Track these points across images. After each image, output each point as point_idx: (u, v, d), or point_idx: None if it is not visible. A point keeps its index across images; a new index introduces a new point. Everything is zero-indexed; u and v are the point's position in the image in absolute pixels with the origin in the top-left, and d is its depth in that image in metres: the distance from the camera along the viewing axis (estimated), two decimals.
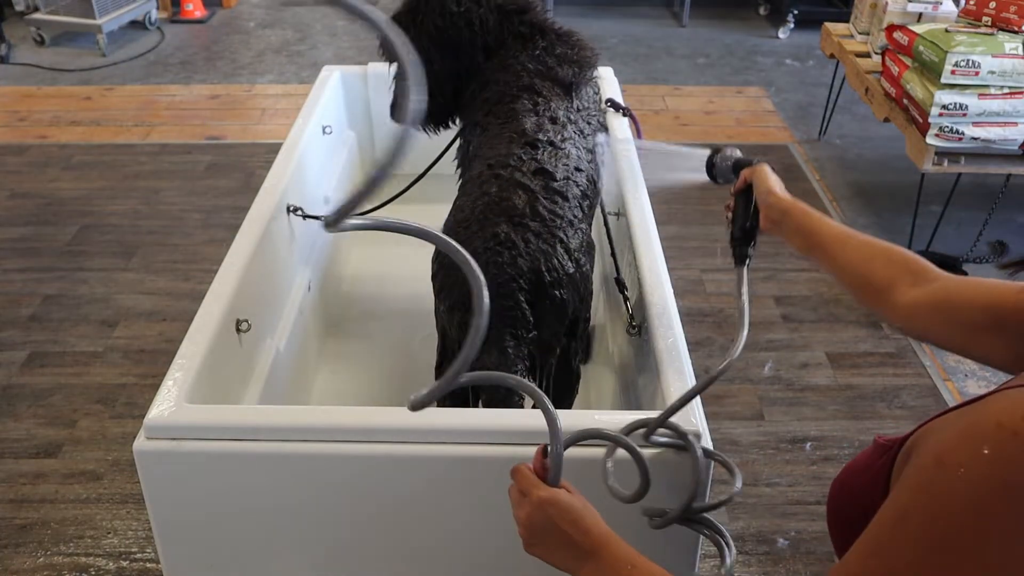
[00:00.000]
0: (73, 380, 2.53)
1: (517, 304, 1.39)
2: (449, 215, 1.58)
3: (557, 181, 1.52)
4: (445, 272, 1.50)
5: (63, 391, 2.49)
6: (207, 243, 3.14)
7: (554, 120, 1.67)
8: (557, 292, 1.43)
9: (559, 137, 1.63)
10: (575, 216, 1.51)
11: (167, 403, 1.30)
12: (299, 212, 1.99)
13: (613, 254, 1.87)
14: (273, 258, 1.85)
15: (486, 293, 0.78)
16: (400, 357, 2.21)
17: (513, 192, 1.47)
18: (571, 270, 1.45)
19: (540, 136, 1.60)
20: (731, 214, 1.28)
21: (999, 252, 3.18)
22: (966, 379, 2.60)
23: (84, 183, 3.59)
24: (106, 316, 2.76)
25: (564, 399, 1.64)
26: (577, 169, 1.61)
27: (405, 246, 2.72)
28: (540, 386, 1.58)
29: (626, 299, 1.72)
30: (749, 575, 1.99)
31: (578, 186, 1.57)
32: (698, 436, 1.18)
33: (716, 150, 1.36)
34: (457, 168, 1.89)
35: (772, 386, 2.55)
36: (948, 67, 2.70)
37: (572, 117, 1.72)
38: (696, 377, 1.40)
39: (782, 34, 5.23)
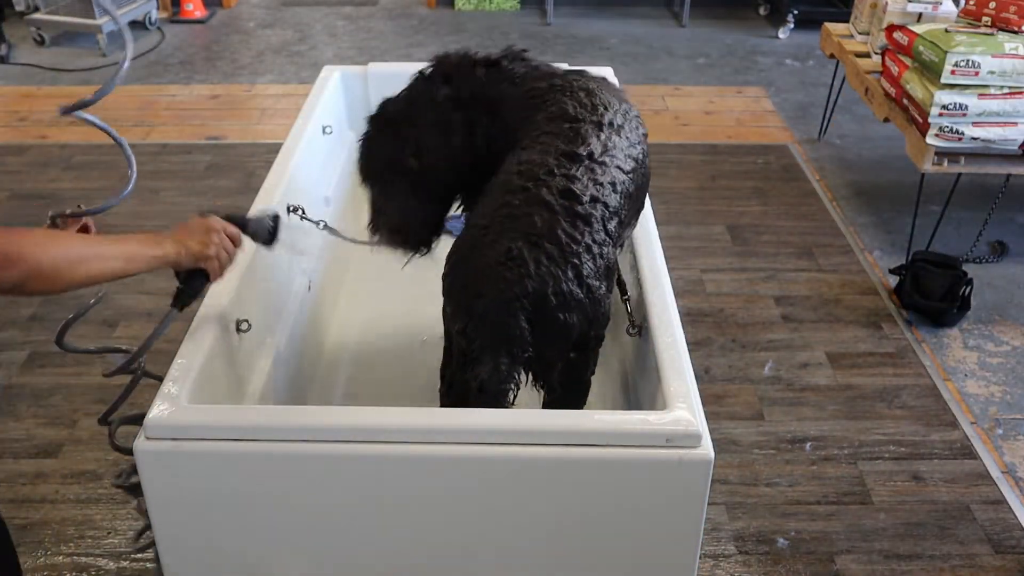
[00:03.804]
0: (73, 380, 2.53)
1: (516, 323, 1.37)
2: (473, 214, 1.55)
3: (582, 204, 1.47)
4: (455, 274, 1.48)
5: (63, 391, 2.49)
6: None
7: (599, 126, 1.61)
8: (562, 315, 1.40)
9: (600, 149, 1.57)
10: (595, 240, 1.46)
11: (167, 403, 1.30)
12: (299, 212, 1.99)
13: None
14: (273, 258, 1.85)
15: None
16: (401, 358, 2.21)
17: (535, 209, 1.44)
18: (580, 296, 1.42)
19: (579, 149, 1.55)
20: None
21: (999, 252, 3.18)
22: (966, 379, 2.60)
23: (84, 183, 3.59)
24: (106, 316, 2.77)
25: (572, 409, 1.63)
26: (612, 186, 1.54)
27: None
28: (548, 394, 1.57)
29: (626, 301, 1.71)
30: (749, 575, 1.99)
31: (607, 207, 1.51)
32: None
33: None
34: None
35: (772, 386, 2.55)
36: (948, 67, 2.70)
37: (614, 127, 1.65)
38: (697, 377, 1.41)
39: (782, 34, 5.23)
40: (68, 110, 1.28)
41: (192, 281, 1.40)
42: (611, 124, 1.63)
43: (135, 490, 1.39)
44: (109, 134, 1.35)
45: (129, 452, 1.32)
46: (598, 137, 1.58)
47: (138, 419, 1.31)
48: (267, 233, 1.53)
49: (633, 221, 1.70)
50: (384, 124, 1.85)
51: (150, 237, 1.30)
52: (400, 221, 1.85)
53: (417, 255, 1.92)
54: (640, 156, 1.67)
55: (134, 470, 1.36)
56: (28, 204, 3.44)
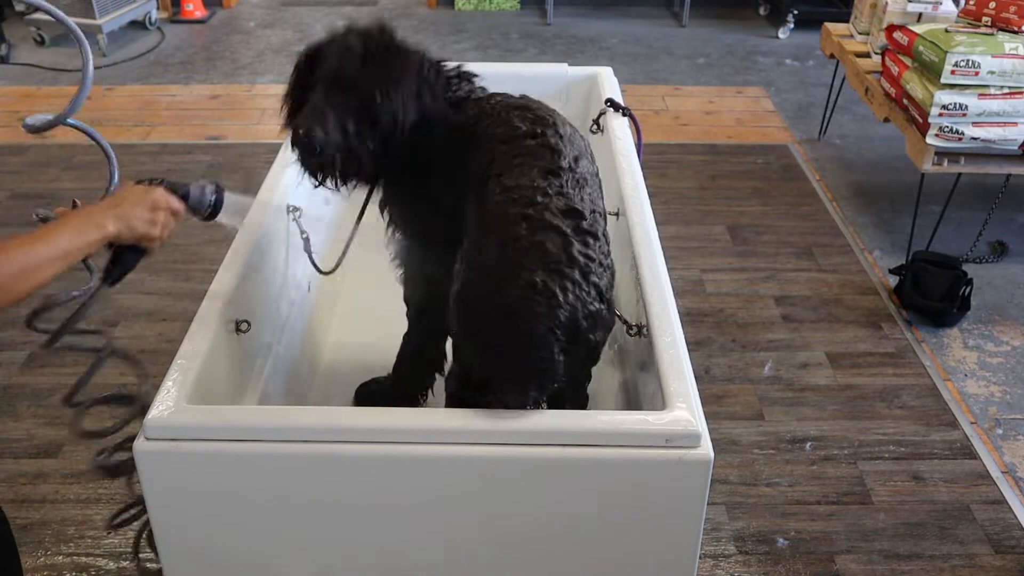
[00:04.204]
0: (73, 380, 2.50)
1: (552, 356, 1.33)
2: (469, 252, 1.44)
3: (586, 219, 1.42)
4: (477, 314, 1.39)
5: (63, 391, 2.47)
6: (207, 243, 3.14)
7: (563, 138, 1.55)
8: (592, 336, 1.39)
9: (574, 155, 1.51)
10: (604, 251, 1.44)
11: (167, 403, 1.30)
12: (298, 214, 1.99)
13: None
14: (273, 258, 1.85)
15: None
16: None
17: (546, 236, 1.37)
18: (604, 312, 1.40)
19: (561, 162, 1.48)
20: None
21: (999, 252, 3.18)
22: (966, 379, 2.60)
23: (84, 183, 3.59)
24: (106, 316, 2.76)
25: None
26: (598, 180, 1.53)
27: None
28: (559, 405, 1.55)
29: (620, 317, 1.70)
30: (749, 575, 1.99)
31: (603, 213, 1.49)
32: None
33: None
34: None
35: (772, 386, 2.55)
36: (948, 67, 2.70)
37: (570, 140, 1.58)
38: (697, 377, 1.41)
39: (782, 34, 5.23)
40: (35, 130, 1.27)
41: (127, 256, 1.35)
42: (564, 124, 1.58)
43: (118, 470, 1.36)
44: (88, 134, 1.35)
45: (98, 436, 1.34)
46: (564, 144, 1.52)
47: (110, 400, 1.29)
48: (207, 208, 1.48)
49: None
50: (365, 40, 1.60)
51: (88, 218, 1.21)
52: (342, 136, 1.54)
53: (346, 188, 1.65)
54: (587, 143, 1.63)
55: (118, 448, 1.36)
56: (28, 204, 3.44)
